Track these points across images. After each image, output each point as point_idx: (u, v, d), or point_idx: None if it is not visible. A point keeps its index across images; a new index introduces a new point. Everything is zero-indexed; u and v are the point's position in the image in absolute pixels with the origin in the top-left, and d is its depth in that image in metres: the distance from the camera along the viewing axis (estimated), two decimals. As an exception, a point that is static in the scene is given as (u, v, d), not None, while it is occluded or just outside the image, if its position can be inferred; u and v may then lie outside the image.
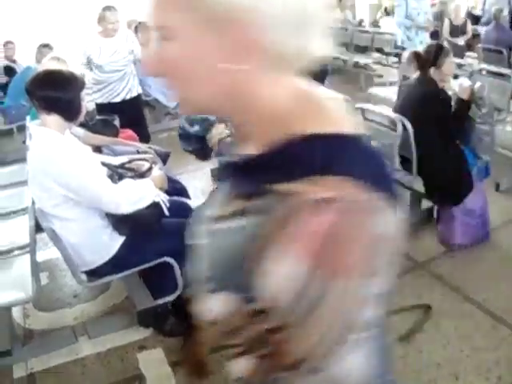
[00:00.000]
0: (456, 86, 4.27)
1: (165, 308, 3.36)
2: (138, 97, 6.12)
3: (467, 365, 2.97)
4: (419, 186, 4.21)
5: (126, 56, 5.72)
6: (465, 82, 4.33)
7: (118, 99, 5.76)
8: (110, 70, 5.63)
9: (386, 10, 13.55)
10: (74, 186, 2.74)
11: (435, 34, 10.20)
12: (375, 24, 12.93)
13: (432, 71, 4.00)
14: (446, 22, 10.42)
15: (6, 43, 9.10)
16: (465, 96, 4.06)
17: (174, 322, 3.37)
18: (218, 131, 3.54)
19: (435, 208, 4.43)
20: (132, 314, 3.44)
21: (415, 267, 3.91)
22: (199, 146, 3.95)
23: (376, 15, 14.05)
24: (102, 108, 5.32)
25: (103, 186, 2.79)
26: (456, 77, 4.81)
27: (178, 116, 7.35)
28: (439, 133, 3.94)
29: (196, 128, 3.89)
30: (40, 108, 2.82)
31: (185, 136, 4.01)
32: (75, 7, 10.09)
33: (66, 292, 3.97)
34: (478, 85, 4.26)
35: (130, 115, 5.46)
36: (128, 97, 5.88)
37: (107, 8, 5.64)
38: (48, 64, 4.32)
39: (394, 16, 8.38)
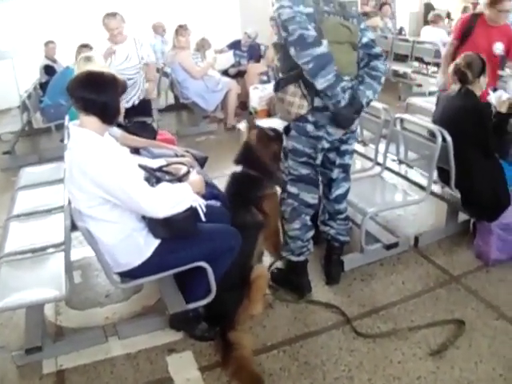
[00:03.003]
0: (494, 99, 4.22)
1: (197, 312, 3.37)
2: (144, 99, 6.12)
3: (500, 384, 2.92)
4: (457, 198, 4.15)
5: (137, 64, 5.74)
6: (503, 95, 4.28)
7: (128, 105, 5.77)
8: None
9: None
10: (112, 188, 2.74)
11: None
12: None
13: (473, 85, 3.95)
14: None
15: (47, 43, 9.22)
16: (503, 109, 4.01)
17: (205, 326, 3.38)
18: None
19: (472, 221, 4.37)
20: (163, 316, 3.43)
21: (450, 281, 3.85)
22: None
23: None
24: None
25: (141, 189, 2.78)
26: (495, 89, 4.73)
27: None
28: (479, 146, 3.89)
29: None
30: (78, 108, 2.84)
31: None
32: (117, 9, 10.17)
33: (98, 291, 3.98)
34: None
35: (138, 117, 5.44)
36: (137, 101, 5.90)
37: (106, 16, 5.67)
38: (82, 64, 4.38)
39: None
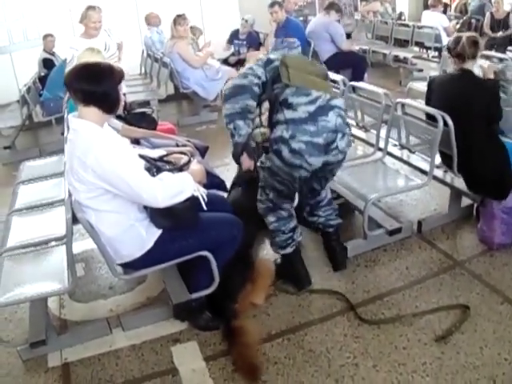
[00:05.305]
0: (476, 68, 4.19)
1: (200, 302, 3.36)
2: None
3: (505, 369, 2.89)
4: (459, 183, 4.13)
5: (115, 52, 5.73)
6: (484, 63, 4.28)
7: None
8: None
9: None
10: (112, 177, 2.74)
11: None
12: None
13: (470, 64, 3.96)
14: (487, 16, 10.26)
15: (46, 36, 9.17)
16: (491, 75, 4.01)
17: (208, 316, 3.38)
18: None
19: (475, 206, 4.35)
20: (167, 307, 3.43)
21: (454, 266, 3.84)
22: None
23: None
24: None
25: (142, 179, 2.78)
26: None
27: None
28: (485, 126, 3.89)
29: None
30: (77, 100, 2.82)
31: None
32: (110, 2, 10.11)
33: (102, 283, 3.99)
34: (501, 66, 4.20)
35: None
36: None
37: (91, 7, 5.62)
38: (84, 55, 4.36)
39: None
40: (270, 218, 3.63)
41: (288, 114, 3.19)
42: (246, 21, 9.17)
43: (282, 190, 3.49)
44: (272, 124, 3.31)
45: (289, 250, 3.69)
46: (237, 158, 3.47)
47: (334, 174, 3.59)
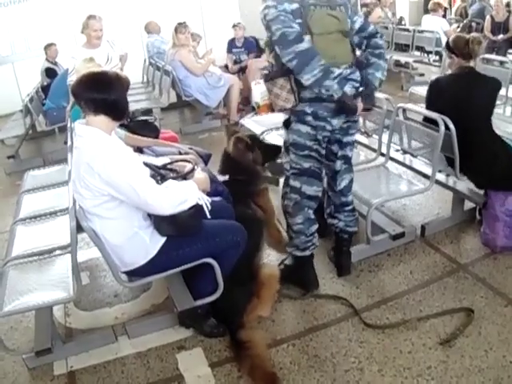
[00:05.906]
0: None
1: (205, 309, 3.36)
2: None
3: (510, 371, 2.89)
4: (462, 186, 4.14)
5: (118, 63, 5.75)
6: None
7: None
8: None
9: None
10: (119, 184, 2.75)
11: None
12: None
13: (472, 62, 4.06)
14: (488, 19, 10.27)
15: (49, 45, 9.20)
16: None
17: (213, 323, 3.38)
18: None
19: (478, 209, 4.35)
20: (172, 314, 3.43)
21: (457, 269, 3.84)
22: None
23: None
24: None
25: (148, 186, 2.79)
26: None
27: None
28: (487, 121, 3.98)
29: None
30: (87, 110, 2.83)
31: None
32: (111, 10, 10.13)
33: (107, 292, 3.99)
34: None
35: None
36: None
37: (92, 16, 5.65)
38: (82, 66, 4.39)
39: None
40: (297, 220, 3.61)
41: (311, 93, 3.22)
42: (239, 22, 9.23)
43: (309, 168, 3.48)
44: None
45: (307, 252, 3.69)
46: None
47: (352, 138, 3.59)
